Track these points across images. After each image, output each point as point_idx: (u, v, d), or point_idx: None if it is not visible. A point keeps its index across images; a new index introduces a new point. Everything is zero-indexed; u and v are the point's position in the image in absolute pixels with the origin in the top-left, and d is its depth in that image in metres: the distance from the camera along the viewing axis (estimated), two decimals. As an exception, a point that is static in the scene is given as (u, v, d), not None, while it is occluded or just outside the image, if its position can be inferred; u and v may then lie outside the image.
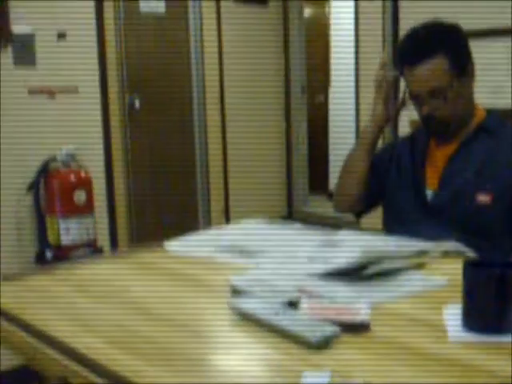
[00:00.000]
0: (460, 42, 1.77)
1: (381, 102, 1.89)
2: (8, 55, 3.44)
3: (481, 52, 3.69)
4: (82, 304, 1.26)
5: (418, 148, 1.88)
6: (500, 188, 1.68)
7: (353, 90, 4.71)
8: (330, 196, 5.79)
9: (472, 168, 1.73)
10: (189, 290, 1.33)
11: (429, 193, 1.79)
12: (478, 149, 1.75)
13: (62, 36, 3.62)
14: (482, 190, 1.69)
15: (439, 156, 1.81)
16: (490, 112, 1.84)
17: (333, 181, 5.80)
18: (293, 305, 1.14)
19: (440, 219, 1.73)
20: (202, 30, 4.55)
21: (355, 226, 4.04)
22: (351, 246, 1.43)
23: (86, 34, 3.75)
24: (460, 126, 1.78)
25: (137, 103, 4.24)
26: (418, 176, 1.83)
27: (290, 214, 5.32)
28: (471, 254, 1.46)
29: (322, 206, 5.47)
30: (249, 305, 1.13)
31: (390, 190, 1.91)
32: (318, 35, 5.92)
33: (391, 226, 1.88)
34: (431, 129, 1.80)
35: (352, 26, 4.65)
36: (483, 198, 1.68)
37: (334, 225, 2.70)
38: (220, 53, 4.62)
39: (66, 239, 3.32)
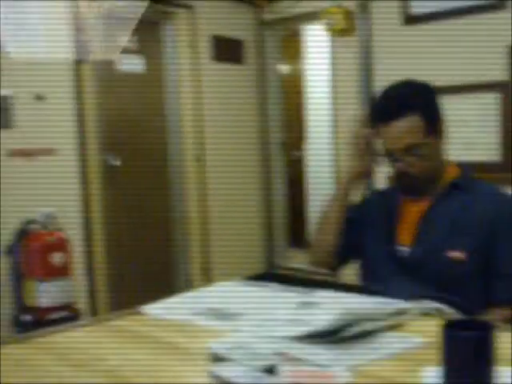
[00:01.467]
0: (432, 100, 1.82)
1: (356, 158, 1.92)
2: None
3: (453, 106, 3.79)
4: (58, 374, 1.24)
5: (390, 204, 1.91)
6: (474, 245, 1.71)
7: (329, 145, 4.78)
8: (310, 250, 5.79)
9: (445, 225, 1.76)
10: (167, 357, 1.31)
11: (402, 249, 1.81)
12: (451, 205, 1.79)
13: (40, 98, 3.65)
14: (455, 246, 1.72)
15: (412, 212, 1.84)
16: (462, 168, 1.88)
17: (312, 235, 5.80)
18: (272, 370, 1.14)
19: (414, 275, 1.75)
20: (179, 88, 4.61)
21: (335, 279, 4.04)
22: (329, 307, 1.43)
23: (64, 95, 3.78)
24: (432, 183, 1.81)
25: (115, 162, 4.25)
26: (391, 232, 1.85)
27: (271, 269, 5.31)
28: (449, 313, 1.47)
29: (303, 260, 5.46)
30: (228, 372, 1.12)
31: (364, 245, 1.93)
32: (294, 92, 6.01)
33: (366, 281, 1.89)
34: (404, 185, 1.83)
35: (327, 83, 4.74)
36: (457, 255, 1.71)
37: (315, 280, 2.70)
38: (198, 110, 4.67)
39: (43, 302, 3.29)
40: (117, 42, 4.27)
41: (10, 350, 1.41)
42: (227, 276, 2.02)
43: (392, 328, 1.36)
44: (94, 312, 3.85)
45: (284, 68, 6.00)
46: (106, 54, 4.17)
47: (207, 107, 4.73)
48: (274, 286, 1.78)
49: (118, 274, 4.21)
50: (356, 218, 1.96)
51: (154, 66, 4.53)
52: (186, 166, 4.66)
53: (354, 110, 4.35)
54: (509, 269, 1.70)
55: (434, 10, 3.87)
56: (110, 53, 4.22)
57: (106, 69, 4.19)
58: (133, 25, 3.50)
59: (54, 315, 3.28)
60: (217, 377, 1.13)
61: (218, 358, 1.21)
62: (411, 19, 4.00)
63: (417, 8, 3.97)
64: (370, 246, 1.90)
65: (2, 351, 1.39)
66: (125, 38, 4.28)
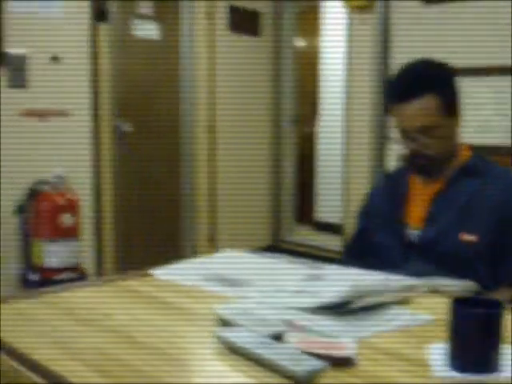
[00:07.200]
0: (449, 81, 1.79)
1: None
2: (0, 77, 3.45)
3: (469, 89, 3.75)
4: (65, 329, 1.25)
5: (397, 188, 1.88)
6: (485, 228, 1.70)
7: (340, 120, 4.75)
8: (316, 226, 5.80)
9: (457, 207, 1.74)
10: (173, 319, 1.32)
11: (412, 232, 1.80)
12: (463, 189, 1.77)
13: (55, 59, 3.63)
14: (466, 229, 1.70)
15: (423, 195, 1.82)
16: (475, 151, 1.86)
17: (319, 211, 5.81)
18: (278, 338, 1.14)
19: (425, 258, 1.73)
20: (194, 57, 4.58)
21: (339, 255, 4.05)
22: (338, 280, 1.43)
23: (79, 57, 3.77)
24: (444, 165, 1.80)
25: (126, 128, 4.24)
26: (399, 216, 1.83)
27: (276, 243, 5.33)
28: (459, 291, 1.46)
29: (308, 236, 5.48)
30: (235, 336, 1.13)
31: (374, 232, 1.91)
32: (309, 67, 5.97)
33: (373, 267, 1.86)
34: (416, 166, 1.81)
35: (342, 60, 4.70)
36: (468, 238, 1.69)
37: (319, 255, 2.71)
38: (212, 80, 4.65)
39: (50, 262, 3.31)
40: (133, 6, 4.24)
41: (17, 304, 1.42)
42: (233, 247, 2.02)
43: (401, 303, 1.36)
44: (100, 274, 3.87)
45: (300, 43, 5.95)
46: (122, 18, 4.15)
47: (221, 78, 4.70)
48: (282, 257, 1.79)
49: (125, 238, 4.23)
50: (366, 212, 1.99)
51: (170, 33, 4.50)
52: (198, 137, 4.65)
53: (368, 88, 4.32)
54: None
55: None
56: (127, 17, 4.19)
57: (122, 34, 4.16)
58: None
59: (61, 276, 3.30)
60: (223, 339, 1.13)
61: (224, 322, 1.22)
62: (432, -2, 3.95)
63: (438, -13, 3.92)
64: (378, 232, 1.88)
65: (8, 306, 1.40)
66: (142, 4, 4.25)
